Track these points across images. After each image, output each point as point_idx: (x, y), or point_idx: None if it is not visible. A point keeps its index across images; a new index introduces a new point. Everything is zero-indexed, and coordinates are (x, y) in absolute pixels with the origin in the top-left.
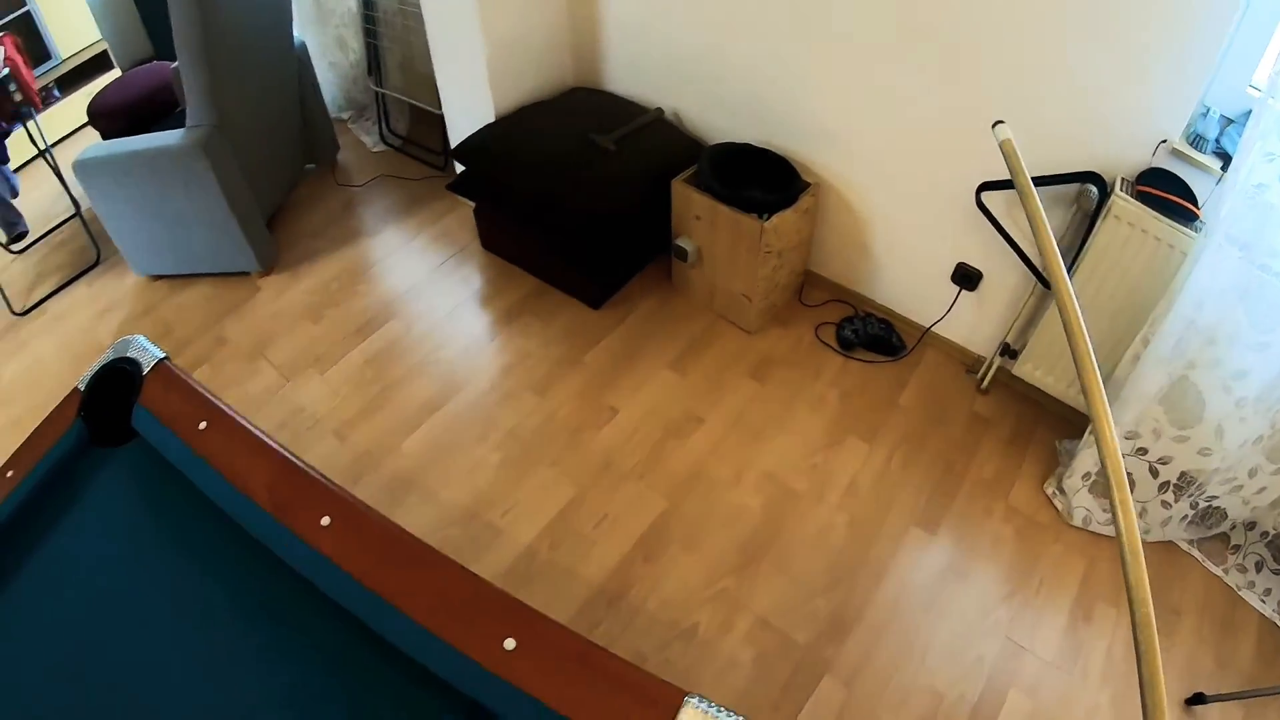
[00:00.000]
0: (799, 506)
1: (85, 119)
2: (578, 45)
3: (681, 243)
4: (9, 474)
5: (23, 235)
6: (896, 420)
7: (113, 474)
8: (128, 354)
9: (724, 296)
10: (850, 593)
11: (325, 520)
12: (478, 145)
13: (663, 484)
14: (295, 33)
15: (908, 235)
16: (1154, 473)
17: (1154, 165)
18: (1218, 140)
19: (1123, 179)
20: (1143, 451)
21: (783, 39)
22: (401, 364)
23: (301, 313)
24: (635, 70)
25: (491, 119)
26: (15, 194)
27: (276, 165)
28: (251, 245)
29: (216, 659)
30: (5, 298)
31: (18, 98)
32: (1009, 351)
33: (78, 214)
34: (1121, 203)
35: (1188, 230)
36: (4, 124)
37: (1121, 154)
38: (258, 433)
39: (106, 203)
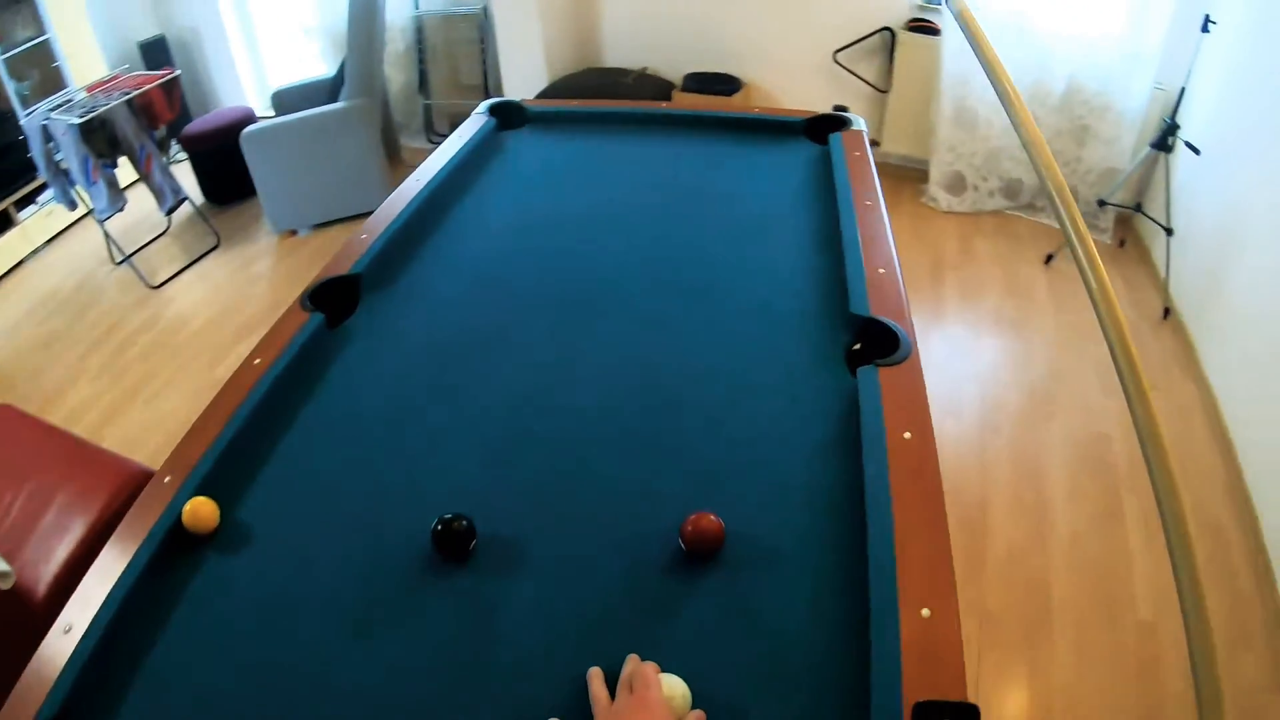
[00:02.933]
0: None
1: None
2: (581, 41)
3: None
4: None
5: (183, 202)
6: None
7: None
8: None
9: None
10: None
11: None
12: (550, 89)
13: None
14: None
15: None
16: (974, 169)
17: (913, 15)
18: None
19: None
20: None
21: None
22: None
23: None
24: (620, 49)
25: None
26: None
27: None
28: (384, 188)
29: None
30: (140, 275)
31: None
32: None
33: (196, 207)
34: (905, 35)
35: (936, 38)
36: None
37: (894, 13)
38: None
39: (264, 165)
